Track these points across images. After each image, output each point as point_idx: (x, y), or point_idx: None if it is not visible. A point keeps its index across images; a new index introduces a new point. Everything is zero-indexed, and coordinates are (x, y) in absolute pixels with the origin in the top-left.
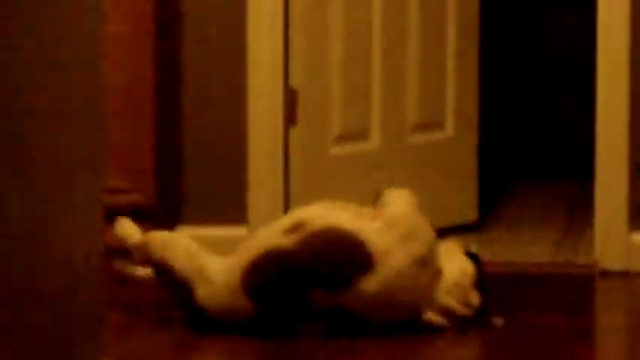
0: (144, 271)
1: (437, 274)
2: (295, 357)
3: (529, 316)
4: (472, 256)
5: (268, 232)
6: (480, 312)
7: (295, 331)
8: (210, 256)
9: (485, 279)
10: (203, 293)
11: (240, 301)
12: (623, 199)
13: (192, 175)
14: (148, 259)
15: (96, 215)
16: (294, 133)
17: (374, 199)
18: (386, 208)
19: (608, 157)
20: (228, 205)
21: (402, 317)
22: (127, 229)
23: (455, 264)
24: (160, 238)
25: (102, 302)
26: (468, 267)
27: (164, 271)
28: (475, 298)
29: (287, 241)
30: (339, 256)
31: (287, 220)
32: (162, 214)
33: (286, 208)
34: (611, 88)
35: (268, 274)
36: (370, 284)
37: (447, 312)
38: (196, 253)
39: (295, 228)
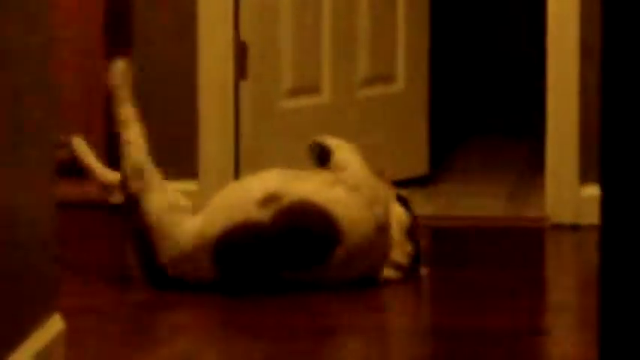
0: (113, 177)
1: (387, 247)
2: (259, 311)
3: (479, 269)
4: (402, 200)
5: (242, 202)
6: (413, 260)
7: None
8: (181, 210)
9: (415, 226)
10: (169, 255)
11: (205, 267)
12: (574, 153)
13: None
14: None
15: (47, 168)
16: (244, 87)
17: (316, 153)
18: (344, 172)
19: (560, 110)
20: (179, 160)
21: (361, 276)
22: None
23: (392, 215)
24: (141, 159)
25: (54, 256)
26: (402, 216)
27: (130, 199)
28: (409, 247)
29: (262, 215)
30: (310, 236)
31: (259, 190)
32: (112, 169)
33: (237, 162)
34: (561, 40)
35: (241, 246)
36: (337, 258)
37: (397, 266)
38: (173, 202)
39: (269, 200)
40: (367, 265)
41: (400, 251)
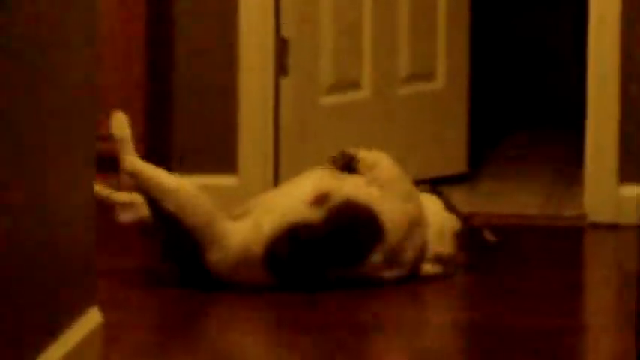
0: (126, 197)
1: (424, 241)
2: (301, 307)
3: (518, 268)
4: (438, 193)
5: (290, 204)
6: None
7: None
8: (223, 218)
9: (465, 232)
10: (217, 259)
11: (258, 272)
12: (614, 152)
13: (182, 124)
14: (142, 192)
15: (88, 164)
16: (285, 83)
17: (338, 161)
18: (373, 170)
19: (599, 109)
20: (218, 155)
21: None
22: (121, 122)
23: (436, 214)
24: (168, 181)
25: (93, 251)
26: (452, 221)
27: (168, 219)
28: (459, 254)
29: (313, 216)
30: (359, 236)
31: (306, 192)
32: (152, 162)
33: (276, 158)
34: (603, 37)
35: (293, 248)
36: (380, 255)
37: (439, 259)
38: (213, 214)
39: (319, 201)
40: (407, 262)
41: (442, 244)
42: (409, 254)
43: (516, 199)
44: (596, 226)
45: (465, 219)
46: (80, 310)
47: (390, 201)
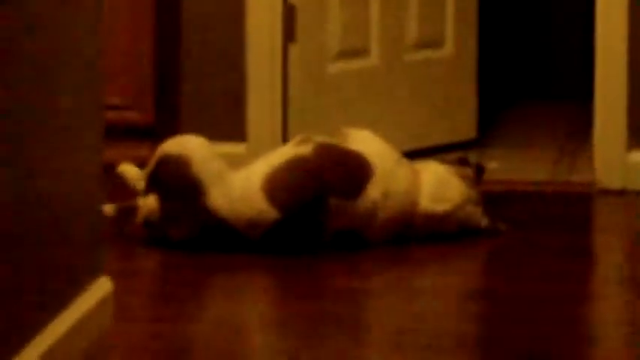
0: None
1: (414, 174)
2: (304, 272)
3: (528, 233)
4: (479, 167)
5: (279, 150)
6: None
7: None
8: (227, 168)
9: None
10: (218, 195)
11: (258, 204)
12: (622, 119)
13: (190, 93)
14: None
15: (94, 131)
16: (293, 49)
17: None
18: (347, 135)
19: (608, 76)
20: (227, 122)
21: (399, 223)
22: (130, 172)
23: (436, 166)
24: (164, 144)
25: (102, 220)
26: (465, 170)
27: (176, 167)
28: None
29: (302, 150)
30: (349, 164)
31: (290, 143)
32: (161, 130)
33: (285, 125)
34: (610, 8)
35: (291, 177)
36: (376, 190)
37: (440, 199)
38: (219, 161)
39: (303, 141)
40: (400, 203)
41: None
42: (400, 188)
43: (525, 166)
44: (605, 192)
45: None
46: (91, 278)
47: (368, 147)
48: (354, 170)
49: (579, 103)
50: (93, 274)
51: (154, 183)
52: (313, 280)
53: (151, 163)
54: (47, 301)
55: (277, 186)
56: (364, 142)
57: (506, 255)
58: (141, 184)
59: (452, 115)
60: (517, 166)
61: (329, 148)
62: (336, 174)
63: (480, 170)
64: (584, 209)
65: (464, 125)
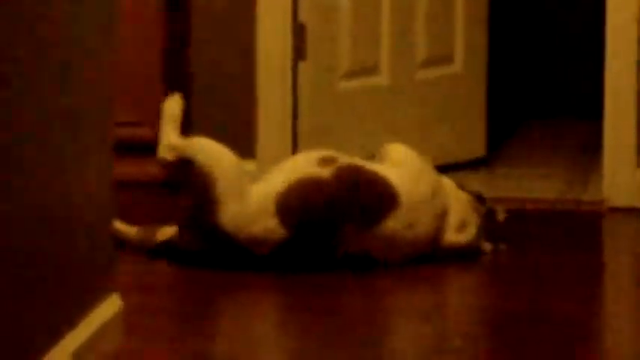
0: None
1: (445, 206)
2: (315, 291)
3: (537, 252)
4: (480, 198)
5: (301, 162)
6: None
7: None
8: (248, 181)
9: (479, 202)
10: (233, 213)
11: (271, 225)
12: (632, 137)
13: (200, 110)
14: (179, 160)
15: (104, 149)
16: (303, 68)
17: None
18: (388, 151)
19: (617, 95)
20: (237, 140)
21: (420, 251)
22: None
23: (456, 189)
24: (202, 142)
25: (112, 236)
26: (466, 196)
27: (198, 177)
28: (474, 218)
29: (322, 171)
30: (370, 192)
31: (313, 155)
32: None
33: (294, 143)
34: (620, 27)
35: (304, 199)
36: (397, 221)
37: (462, 226)
38: (240, 174)
39: (327, 161)
40: (425, 232)
41: (464, 214)
42: (428, 221)
43: (535, 184)
44: (614, 211)
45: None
46: (100, 297)
47: (400, 174)
48: (374, 199)
49: (590, 120)
50: (103, 291)
51: (177, 171)
52: (326, 297)
53: (182, 150)
54: (57, 319)
55: (290, 205)
56: (402, 164)
57: (516, 274)
58: (172, 153)
59: (461, 133)
60: (527, 185)
61: (351, 172)
62: (354, 201)
63: (481, 201)
64: (594, 228)
65: (473, 143)
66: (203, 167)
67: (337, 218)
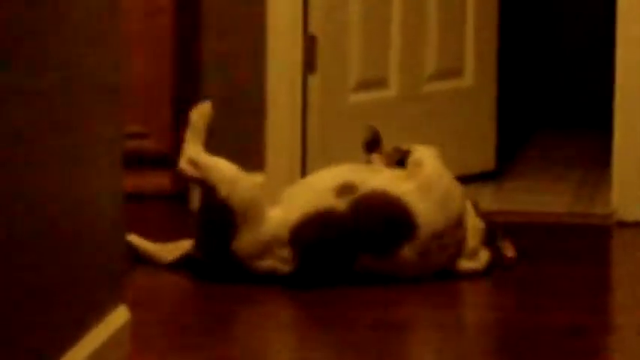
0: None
1: (465, 234)
2: (330, 304)
3: (546, 265)
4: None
5: (318, 191)
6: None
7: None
8: (268, 209)
9: (493, 230)
10: (247, 242)
11: (285, 254)
12: None
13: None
14: (198, 180)
15: (114, 160)
16: (312, 80)
17: (393, 156)
18: (418, 168)
19: (627, 108)
20: (246, 153)
21: (436, 271)
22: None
23: (467, 213)
24: (226, 169)
25: (122, 248)
26: (478, 222)
27: (218, 206)
28: (486, 254)
29: (338, 204)
30: (387, 224)
31: (333, 181)
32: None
33: (304, 156)
34: (630, 36)
35: (318, 232)
36: (412, 251)
37: (474, 254)
38: (261, 203)
39: (344, 191)
40: (444, 260)
41: (477, 239)
42: (448, 253)
43: (544, 197)
44: (624, 225)
45: (491, 223)
46: (107, 308)
47: (426, 199)
48: (391, 229)
49: (600, 132)
50: (111, 303)
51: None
52: (340, 310)
53: (202, 170)
54: (64, 331)
55: (303, 237)
56: (430, 186)
57: (524, 287)
58: (191, 168)
59: (471, 146)
60: (535, 198)
61: (370, 203)
62: (371, 231)
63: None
64: (602, 241)
65: (482, 156)
66: (220, 192)
67: (353, 249)
